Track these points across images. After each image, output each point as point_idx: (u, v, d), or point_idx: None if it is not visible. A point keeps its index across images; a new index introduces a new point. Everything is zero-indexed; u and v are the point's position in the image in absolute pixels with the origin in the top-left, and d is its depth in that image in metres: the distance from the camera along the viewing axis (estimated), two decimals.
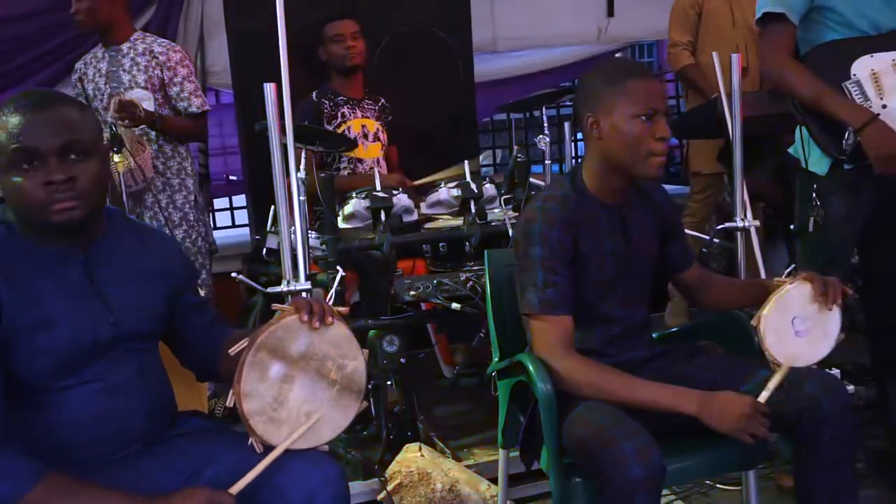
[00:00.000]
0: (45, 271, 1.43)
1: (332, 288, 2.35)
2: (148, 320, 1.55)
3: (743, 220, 2.37)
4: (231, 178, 3.54)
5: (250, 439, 1.42)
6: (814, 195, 2.18)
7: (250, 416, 1.40)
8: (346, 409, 1.49)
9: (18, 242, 1.43)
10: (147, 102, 3.00)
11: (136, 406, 1.50)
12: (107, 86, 3.06)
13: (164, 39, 3.18)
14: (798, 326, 1.71)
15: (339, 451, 2.49)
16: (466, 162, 2.78)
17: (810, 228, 2.17)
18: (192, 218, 3.16)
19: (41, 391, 1.42)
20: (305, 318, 1.43)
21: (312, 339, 1.45)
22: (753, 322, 1.70)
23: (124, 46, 3.07)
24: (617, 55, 4.76)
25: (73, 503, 1.30)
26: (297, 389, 1.44)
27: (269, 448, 1.42)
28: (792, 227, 2.36)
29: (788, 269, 1.80)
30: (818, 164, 2.19)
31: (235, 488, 1.37)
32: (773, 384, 1.64)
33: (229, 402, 1.39)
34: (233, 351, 1.43)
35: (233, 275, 2.24)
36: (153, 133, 3.06)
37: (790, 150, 2.35)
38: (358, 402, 1.50)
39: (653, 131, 1.73)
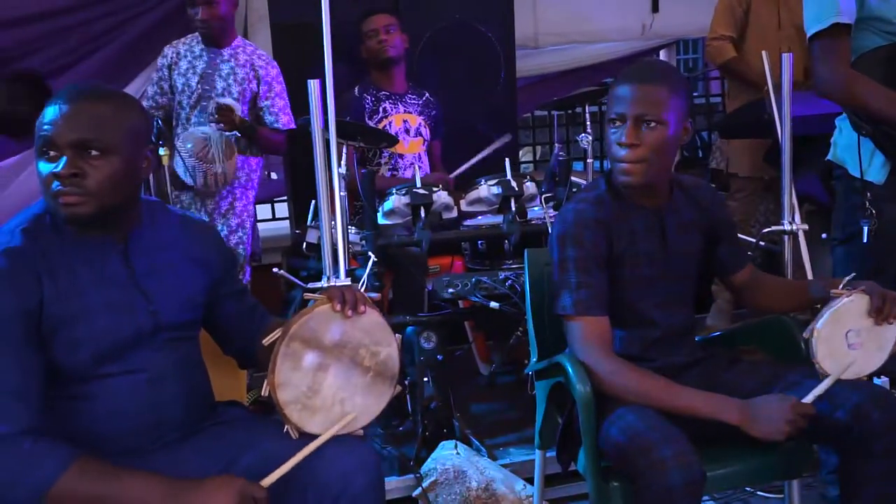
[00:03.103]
0: (86, 261, 1.45)
1: (364, 274, 2.35)
2: (187, 310, 1.57)
3: (790, 223, 2.31)
4: (272, 175, 3.55)
5: (286, 427, 1.43)
6: (867, 203, 2.14)
7: (285, 405, 1.41)
8: (380, 395, 1.51)
9: (62, 233, 1.44)
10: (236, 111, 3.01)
11: (175, 396, 1.52)
12: (198, 85, 3.03)
13: (263, 52, 3.15)
14: (852, 339, 1.67)
15: (376, 447, 2.49)
16: (507, 159, 2.76)
17: (865, 238, 2.13)
18: (247, 226, 3.19)
19: (84, 379, 1.44)
20: (339, 307, 1.44)
21: (346, 328, 1.46)
22: (806, 335, 1.67)
23: (225, 52, 3.04)
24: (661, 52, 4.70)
25: (104, 486, 1.32)
26: (332, 377, 1.45)
27: (304, 436, 1.43)
28: (825, 235, 2.31)
29: (847, 279, 1.75)
30: (878, 172, 2.16)
31: (267, 481, 1.37)
32: (819, 391, 1.61)
33: (264, 392, 1.40)
34: (266, 341, 1.44)
35: (274, 270, 2.25)
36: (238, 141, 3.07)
37: (829, 157, 2.30)
38: (392, 388, 1.51)
39: (617, 137, 1.71)
